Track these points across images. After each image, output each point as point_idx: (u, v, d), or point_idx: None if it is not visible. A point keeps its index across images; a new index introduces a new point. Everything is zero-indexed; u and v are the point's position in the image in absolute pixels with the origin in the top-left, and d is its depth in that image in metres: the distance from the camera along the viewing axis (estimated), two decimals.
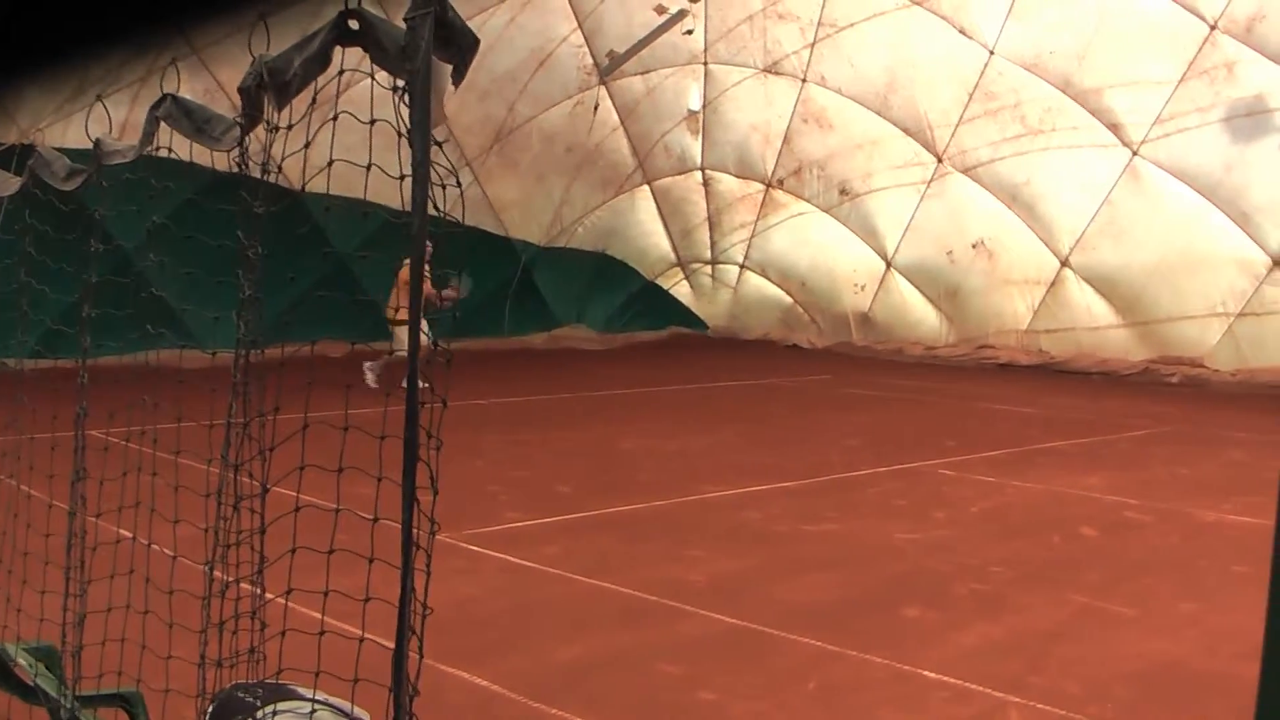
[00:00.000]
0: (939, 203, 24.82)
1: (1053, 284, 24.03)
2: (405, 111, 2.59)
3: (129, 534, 4.58)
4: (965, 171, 24.13)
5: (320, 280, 21.33)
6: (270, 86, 3.01)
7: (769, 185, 27.17)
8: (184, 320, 13.95)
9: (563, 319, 27.60)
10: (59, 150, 4.69)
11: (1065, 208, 23.23)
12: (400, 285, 18.47)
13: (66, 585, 4.64)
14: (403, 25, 2.56)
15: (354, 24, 2.67)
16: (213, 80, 17.32)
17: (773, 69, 24.83)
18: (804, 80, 24.69)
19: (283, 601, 3.49)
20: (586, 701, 6.57)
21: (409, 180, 2.56)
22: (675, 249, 28.99)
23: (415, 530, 2.61)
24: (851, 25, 23.03)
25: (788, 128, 25.81)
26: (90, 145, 4.24)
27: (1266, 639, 1.71)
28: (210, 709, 3.61)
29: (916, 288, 26.16)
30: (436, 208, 2.58)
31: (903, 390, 20.93)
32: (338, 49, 2.81)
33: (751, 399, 19.98)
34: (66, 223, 4.77)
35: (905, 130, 24.34)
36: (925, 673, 7.15)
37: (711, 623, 8.08)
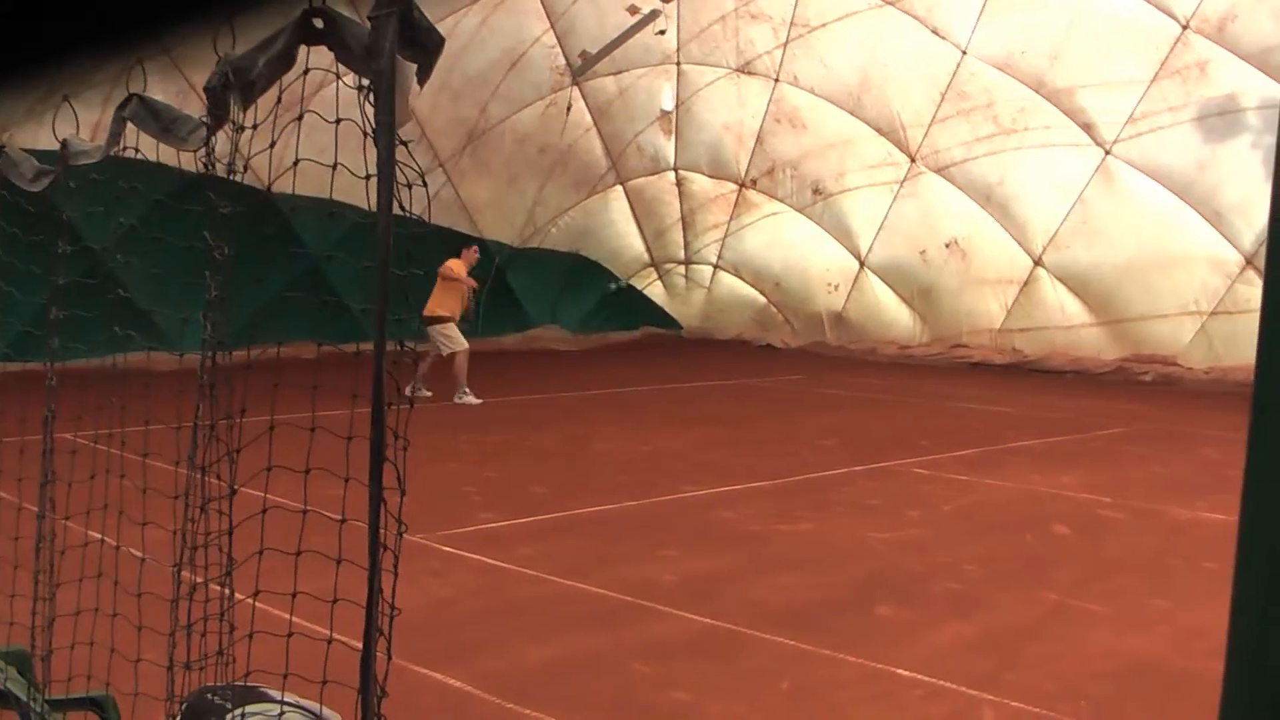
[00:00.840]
0: (912, 202, 24.88)
1: (1026, 283, 24.10)
2: (371, 111, 2.58)
3: (98, 536, 4.57)
4: (938, 171, 24.19)
5: (290, 281, 21.31)
6: (235, 86, 3.00)
7: (742, 185, 27.21)
8: (153, 322, 13.91)
9: (536, 320, 27.61)
10: (29, 152, 4.68)
11: (1038, 207, 23.30)
12: (442, 285, 18.51)
13: (36, 588, 4.62)
14: (367, 24, 2.56)
15: (318, 23, 2.66)
16: (185, 81, 17.25)
17: (745, 69, 24.86)
18: (777, 80, 24.72)
19: (251, 603, 3.48)
20: (560, 702, 6.56)
21: (375, 180, 2.55)
22: (649, 249, 29.02)
23: (383, 531, 2.61)
24: (824, 25, 23.06)
25: (761, 128, 25.85)
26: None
27: (1231, 635, 1.72)
28: (180, 712, 3.60)
29: (890, 287, 26.22)
30: (403, 208, 2.58)
31: (876, 390, 20.96)
32: (304, 48, 2.81)
33: (725, 399, 19.99)
34: (35, 224, 4.75)
35: (878, 130, 24.39)
36: (899, 671, 7.15)
37: (685, 623, 8.07)
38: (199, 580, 3.62)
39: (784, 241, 27.33)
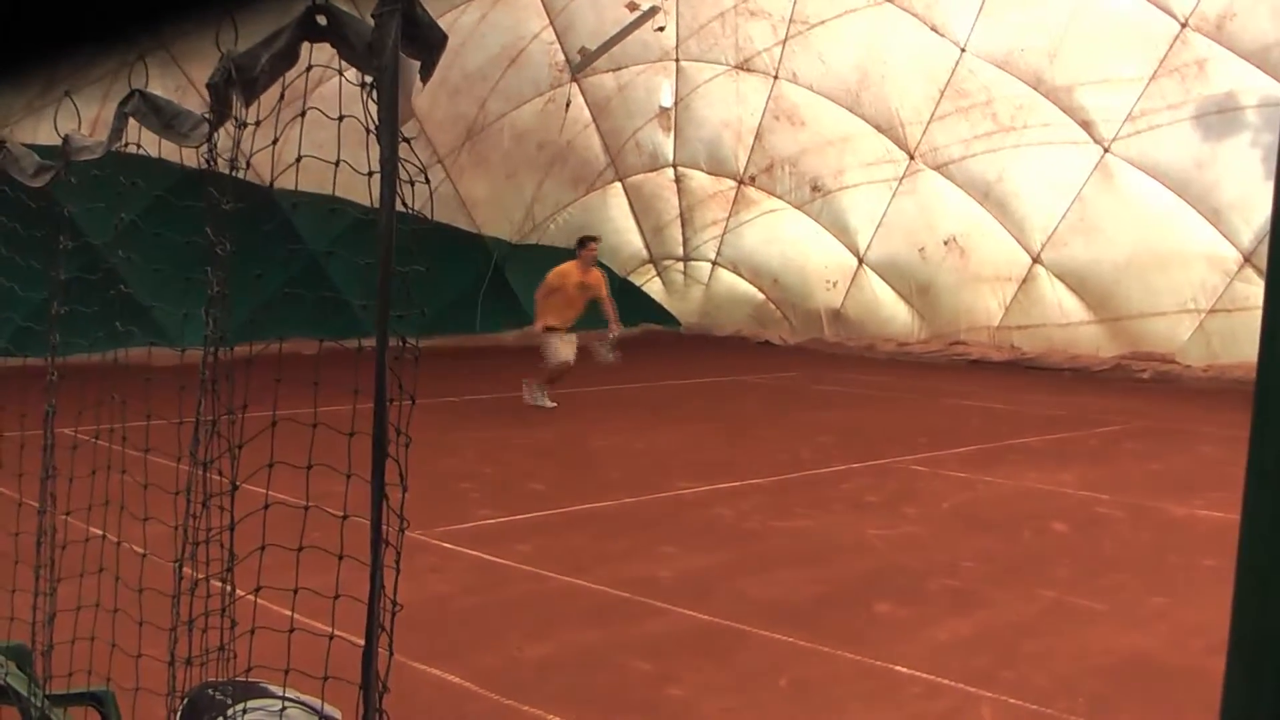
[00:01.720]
0: (911, 199, 24.87)
1: (1024, 281, 24.09)
2: (374, 108, 2.59)
3: (99, 532, 4.57)
4: (937, 168, 24.18)
5: (291, 277, 21.29)
6: (238, 83, 3.01)
7: (741, 182, 27.20)
8: (154, 317, 13.86)
9: (535, 317, 27.52)
10: (29, 147, 4.68)
11: (1037, 205, 23.29)
12: (549, 292, 17.99)
13: (36, 584, 4.63)
14: (370, 22, 2.56)
15: (321, 19, 2.67)
16: (183, 77, 17.26)
17: (744, 66, 24.85)
18: (775, 77, 24.71)
19: (253, 599, 3.49)
20: (558, 698, 6.57)
21: (378, 177, 2.56)
22: (647, 246, 29.02)
23: (384, 527, 2.61)
24: (823, 22, 23.06)
25: (759, 124, 25.84)
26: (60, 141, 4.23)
27: (1232, 633, 1.72)
28: (181, 707, 3.61)
29: (888, 284, 26.21)
30: (405, 204, 2.58)
31: (874, 387, 20.97)
32: (306, 45, 2.81)
33: (723, 396, 20.01)
34: (35, 220, 4.75)
35: (877, 127, 24.38)
36: (896, 668, 7.16)
37: (682, 619, 8.08)
38: (200, 576, 3.62)
39: (782, 238, 27.32)
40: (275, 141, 3.12)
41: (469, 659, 7.15)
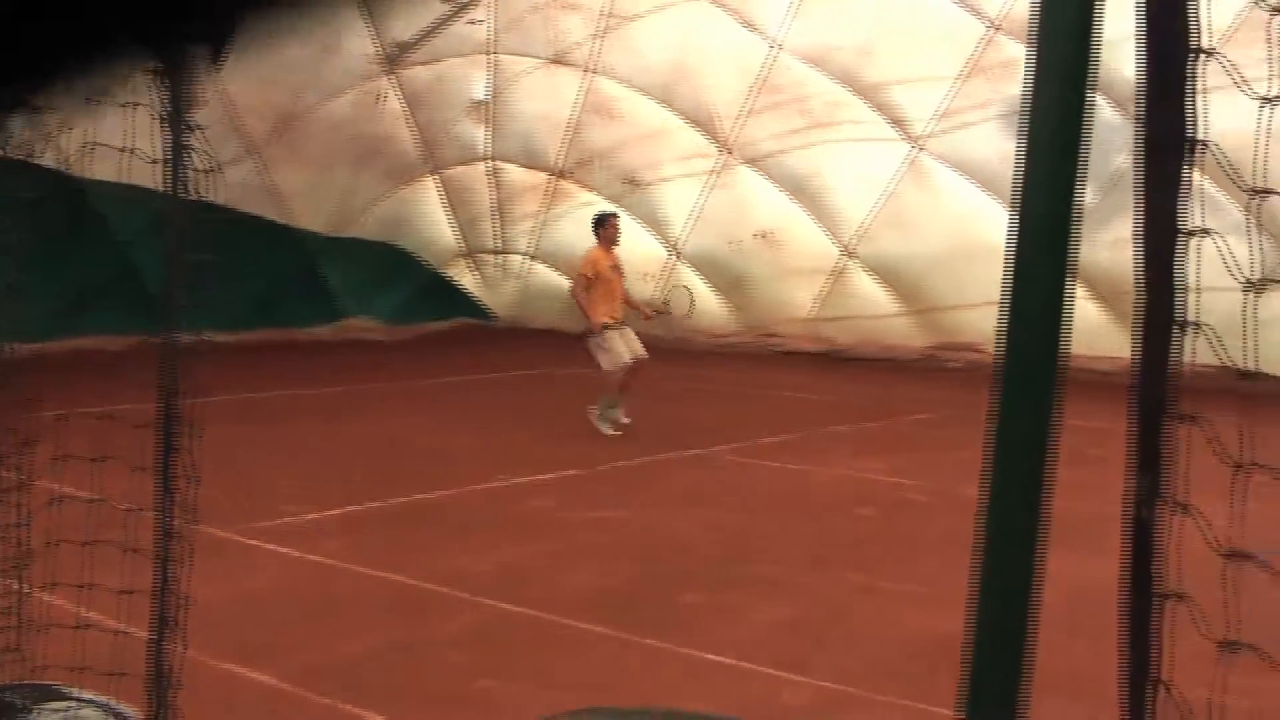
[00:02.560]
0: (725, 193, 25.06)
1: (837, 274, 24.42)
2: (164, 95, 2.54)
3: None
4: (751, 163, 24.40)
5: (98, 271, 20.86)
6: (34, 70, 2.94)
7: (556, 175, 27.18)
8: None
9: (349, 310, 27.27)
10: None
11: (849, 200, 23.63)
12: (588, 284, 16.22)
13: None
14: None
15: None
16: None
17: (559, 59, 24.82)
18: (591, 71, 24.73)
19: (45, 597, 3.41)
20: (371, 694, 6.51)
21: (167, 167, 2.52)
22: (463, 239, 28.87)
23: (172, 520, 2.57)
24: (638, 17, 23.11)
25: (575, 118, 25.83)
26: None
27: (975, 595, 1.79)
28: None
29: (703, 277, 26.37)
30: (196, 192, 2.54)
31: (690, 378, 21.06)
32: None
33: (538, 388, 19.99)
34: None
35: (691, 121, 24.53)
36: (709, 656, 7.21)
37: (495, 611, 8.06)
38: None
39: None
40: (73, 129, 3.06)
41: (281, 657, 7.05)
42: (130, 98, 2.77)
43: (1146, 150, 1.67)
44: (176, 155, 2.45)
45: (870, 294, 24.22)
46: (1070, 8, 1.74)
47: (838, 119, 22.87)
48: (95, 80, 2.85)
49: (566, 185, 27.28)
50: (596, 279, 15.85)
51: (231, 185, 24.19)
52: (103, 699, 3.30)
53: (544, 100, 25.92)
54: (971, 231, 21.96)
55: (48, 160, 3.29)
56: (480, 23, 24.07)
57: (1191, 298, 1.63)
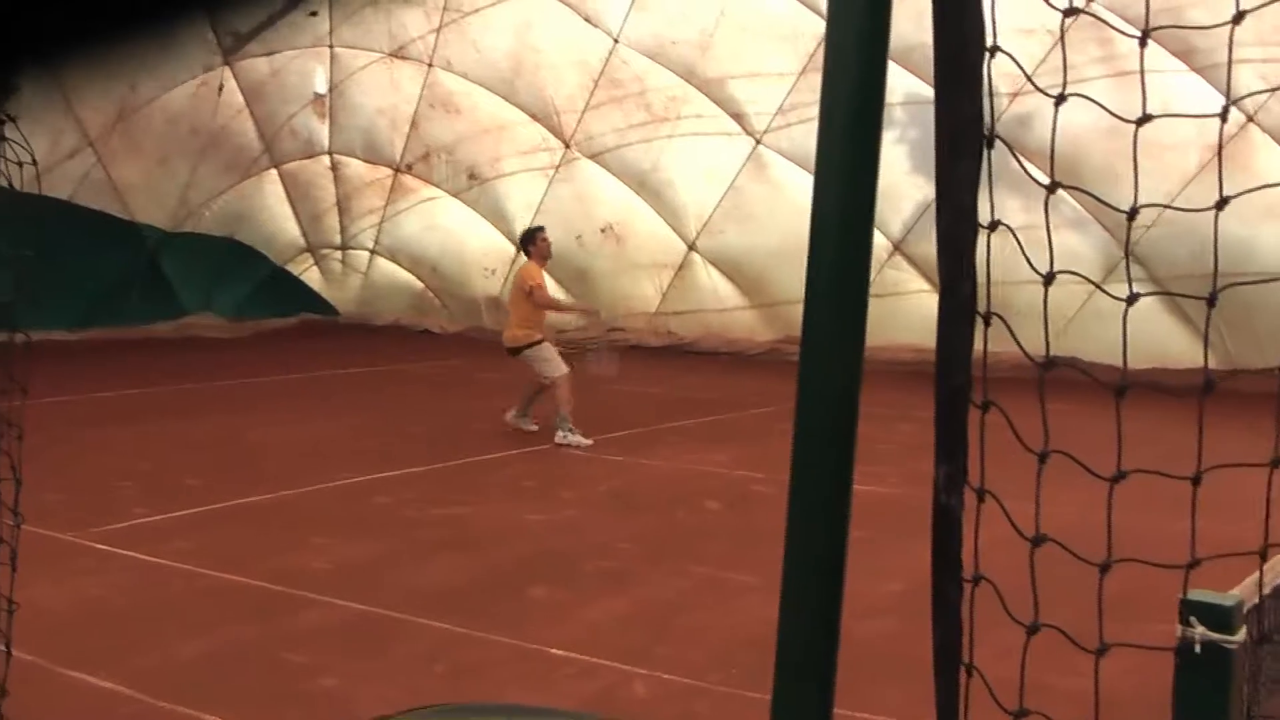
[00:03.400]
0: (567, 187, 25.08)
1: (680, 267, 24.55)
2: None
3: None
4: (593, 157, 24.43)
5: None
6: None
7: (398, 170, 27.02)
8: None
9: (190, 306, 26.89)
10: None
11: (691, 193, 23.75)
12: (518, 297, 15.59)
13: None
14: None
15: None
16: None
17: (398, 53, 24.68)
18: (430, 65, 24.61)
19: None
20: (212, 697, 6.46)
21: None
22: (305, 234, 28.61)
23: None
24: (476, 11, 23.03)
25: (415, 112, 25.69)
26: None
27: (783, 591, 1.84)
28: None
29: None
30: (9, 184, 2.50)
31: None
32: None
33: (382, 385, 19.87)
34: None
35: (532, 116, 24.49)
36: (552, 650, 7.24)
37: (338, 610, 8.03)
38: None
39: (440, 226, 27.25)
40: None
41: (123, 662, 6.96)
42: None
43: (941, 146, 1.71)
44: None
45: (714, 288, 24.37)
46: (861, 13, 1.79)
47: (678, 113, 22.99)
48: None
49: (408, 180, 27.13)
50: (531, 293, 15.39)
51: (70, 179, 23.65)
52: None
53: (384, 94, 25.76)
54: None
55: None
56: (317, 14, 23.86)
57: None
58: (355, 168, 27.46)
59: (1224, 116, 1.90)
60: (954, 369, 1.71)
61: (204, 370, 20.60)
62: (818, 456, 1.79)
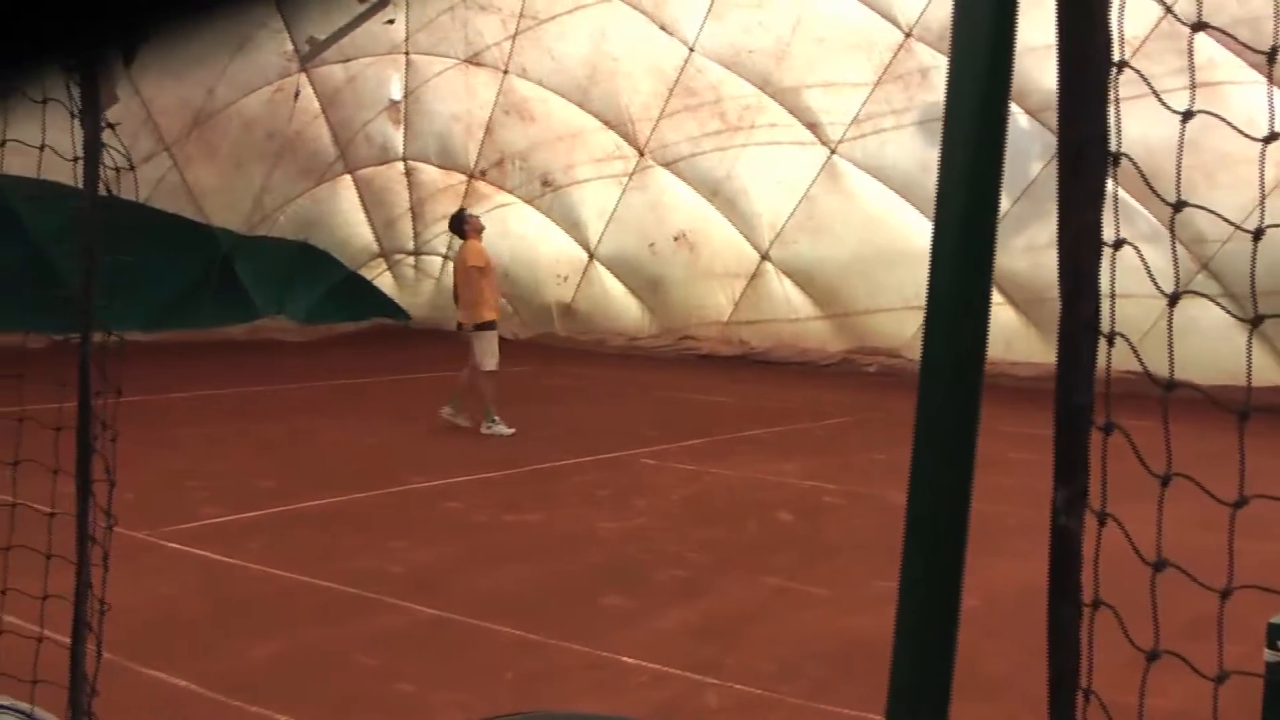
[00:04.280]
0: (641, 195, 25.08)
1: (753, 277, 24.50)
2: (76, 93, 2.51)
3: None
4: (667, 165, 24.42)
5: (9, 268, 20.62)
6: None
7: (471, 176, 27.11)
8: None
9: (264, 310, 27.11)
10: None
11: (765, 203, 23.68)
12: (481, 274, 15.59)
13: None
14: None
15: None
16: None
17: (474, 60, 24.75)
18: (505, 72, 24.68)
19: None
20: (286, 698, 6.48)
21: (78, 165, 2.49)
22: (378, 239, 28.76)
23: (91, 524, 2.54)
24: (553, 18, 23.07)
25: (490, 119, 25.77)
26: None
27: (899, 611, 1.80)
28: None
29: (619, 279, 26.39)
30: (108, 190, 2.51)
31: (605, 381, 21.10)
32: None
33: (453, 390, 19.91)
34: None
35: (606, 123, 24.51)
36: (624, 658, 7.22)
37: (411, 614, 8.04)
38: None
39: (513, 233, 27.30)
40: None
41: (197, 661, 7.01)
42: (43, 95, 2.74)
43: (1064, 162, 1.69)
44: (92, 153, 2.43)
45: (787, 298, 24.31)
46: (987, 18, 1.75)
47: (753, 122, 22.94)
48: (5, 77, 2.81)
49: (482, 186, 27.21)
50: (486, 270, 15.62)
51: (146, 182, 23.87)
52: (21, 705, 3.25)
53: (459, 101, 25.84)
54: (887, 236, 22.08)
55: None
56: (394, 22, 23.97)
57: (1106, 305, 1.66)
58: (429, 173, 27.57)
59: None
60: (1075, 388, 1.68)
61: (275, 373, 20.74)
62: (936, 473, 1.77)
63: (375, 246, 28.94)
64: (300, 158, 26.29)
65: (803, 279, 23.94)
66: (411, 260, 29.34)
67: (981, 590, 7.91)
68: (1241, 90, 15.35)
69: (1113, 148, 1.65)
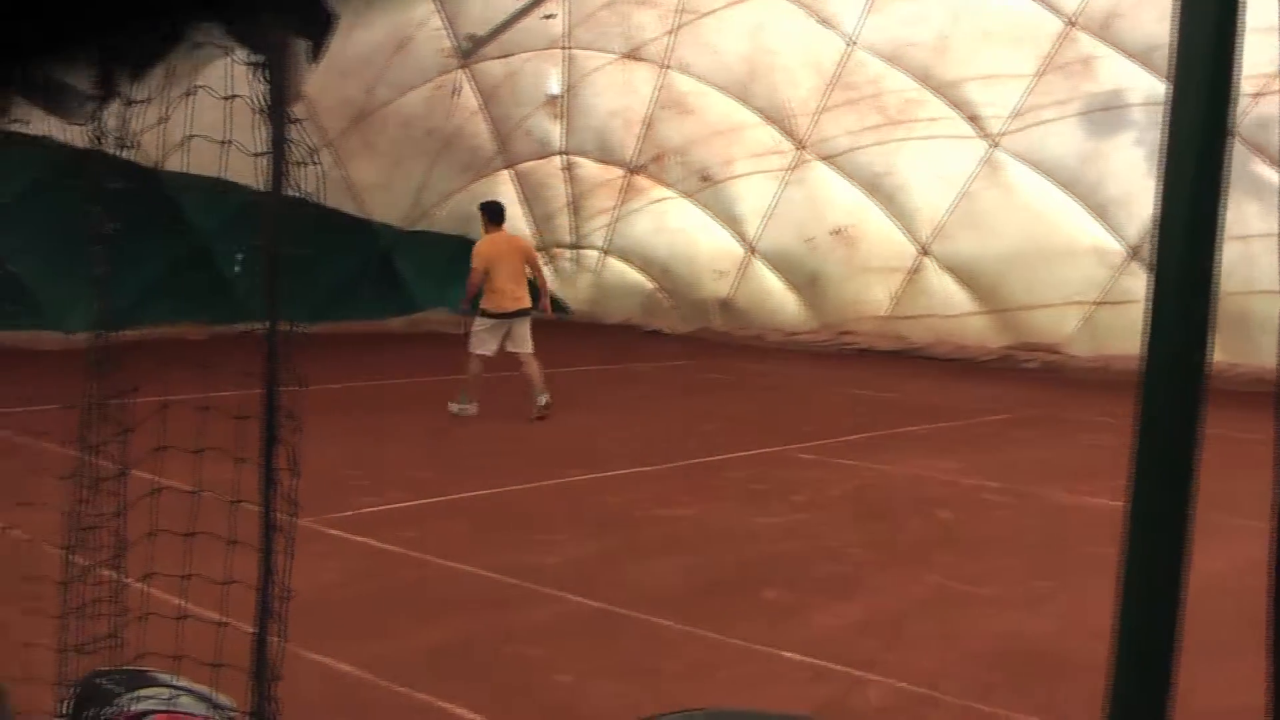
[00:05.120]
0: (799, 190, 25.00)
1: (912, 271, 24.32)
2: (262, 88, 2.56)
3: None
4: (826, 160, 24.31)
5: (179, 261, 21.08)
6: (126, 60, 2.97)
7: (630, 171, 27.21)
8: (37, 299, 13.57)
9: (423, 303, 27.43)
10: None
11: (924, 197, 23.50)
12: (522, 266, 16.90)
13: None
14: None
15: None
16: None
17: (633, 55, 24.82)
18: (665, 67, 24.72)
19: (142, 586, 3.44)
20: (448, 685, 6.55)
21: (265, 158, 2.54)
22: (537, 233, 28.96)
23: (275, 512, 2.59)
24: (712, 12, 23.07)
25: (648, 114, 25.84)
26: None
27: (1119, 621, 1.76)
28: (71, 697, 3.56)
29: (777, 274, 26.34)
30: (295, 186, 2.56)
31: (762, 376, 21.07)
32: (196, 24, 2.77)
33: (611, 384, 20.01)
34: None
35: (766, 118, 24.47)
36: (784, 653, 7.21)
37: (570, 605, 8.09)
38: (89, 563, 3.57)
39: (671, 227, 27.38)
40: (162, 121, 3.08)
41: (359, 646, 7.11)
42: (227, 91, 2.80)
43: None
44: (278, 148, 2.47)
45: (946, 292, 24.10)
46: (1210, 17, 1.72)
47: (913, 116, 22.77)
48: (185, 70, 2.87)
49: (641, 181, 27.30)
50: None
51: (309, 178, 24.71)
52: (201, 688, 3.33)
53: (618, 96, 25.93)
54: (1049, 231, 21.84)
55: (126, 151, 3.31)
56: (554, 17, 24.11)
57: (1251, 299, 1.64)
58: (588, 168, 27.70)
59: None
60: None
61: (434, 364, 20.90)
62: (1159, 474, 1.74)
63: (534, 240, 29.17)
64: (459, 153, 26.56)
65: (962, 274, 23.72)
66: (570, 254, 29.51)
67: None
68: None
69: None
